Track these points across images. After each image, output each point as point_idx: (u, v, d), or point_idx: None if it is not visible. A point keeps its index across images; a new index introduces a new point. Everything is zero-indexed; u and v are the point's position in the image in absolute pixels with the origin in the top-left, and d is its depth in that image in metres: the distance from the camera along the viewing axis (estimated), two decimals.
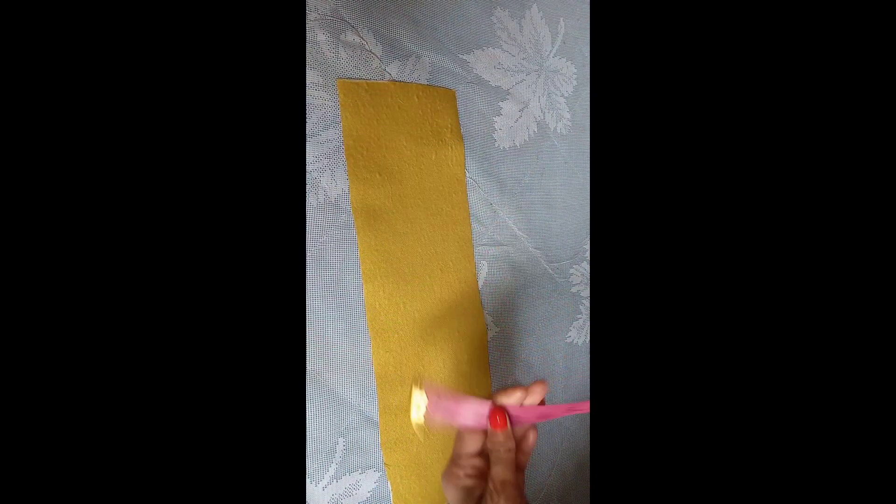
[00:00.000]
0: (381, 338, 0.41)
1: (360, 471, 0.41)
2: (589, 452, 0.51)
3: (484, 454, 0.34)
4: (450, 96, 0.43)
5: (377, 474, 0.42)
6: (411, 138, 0.42)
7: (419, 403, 0.32)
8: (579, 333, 0.50)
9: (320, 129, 0.39)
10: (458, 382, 0.44)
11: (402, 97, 0.41)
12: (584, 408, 0.31)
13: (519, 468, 0.36)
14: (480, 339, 0.46)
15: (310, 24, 0.38)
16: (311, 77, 0.38)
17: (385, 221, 0.41)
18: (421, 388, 0.33)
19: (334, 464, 0.40)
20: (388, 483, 0.42)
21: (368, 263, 0.40)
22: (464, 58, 0.43)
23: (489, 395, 0.46)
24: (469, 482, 0.32)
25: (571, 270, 0.49)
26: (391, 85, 0.40)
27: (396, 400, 0.42)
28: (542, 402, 0.33)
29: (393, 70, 0.41)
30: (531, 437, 0.37)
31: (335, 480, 0.40)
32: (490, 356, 0.46)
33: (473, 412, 0.32)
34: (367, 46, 0.40)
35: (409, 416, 0.34)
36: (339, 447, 0.40)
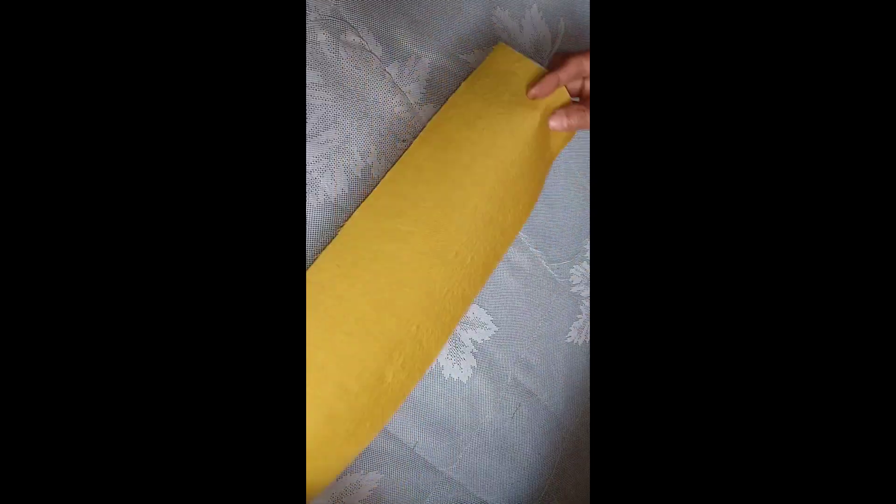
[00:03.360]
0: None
1: (361, 472, 0.41)
2: (589, 452, 0.51)
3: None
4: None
5: (378, 475, 0.42)
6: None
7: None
8: (579, 333, 0.50)
9: (320, 129, 0.39)
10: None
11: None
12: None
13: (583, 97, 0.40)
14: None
15: (310, 24, 0.38)
16: (311, 77, 0.38)
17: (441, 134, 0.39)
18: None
19: None
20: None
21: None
22: (464, 58, 0.43)
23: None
24: None
25: (571, 270, 0.49)
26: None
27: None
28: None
29: (393, 70, 0.41)
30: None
31: (335, 480, 0.40)
32: (490, 356, 0.46)
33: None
34: (367, 46, 0.40)
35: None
36: None
